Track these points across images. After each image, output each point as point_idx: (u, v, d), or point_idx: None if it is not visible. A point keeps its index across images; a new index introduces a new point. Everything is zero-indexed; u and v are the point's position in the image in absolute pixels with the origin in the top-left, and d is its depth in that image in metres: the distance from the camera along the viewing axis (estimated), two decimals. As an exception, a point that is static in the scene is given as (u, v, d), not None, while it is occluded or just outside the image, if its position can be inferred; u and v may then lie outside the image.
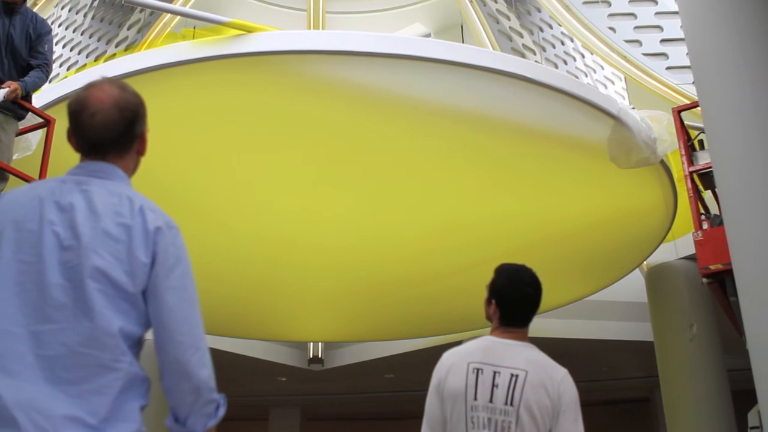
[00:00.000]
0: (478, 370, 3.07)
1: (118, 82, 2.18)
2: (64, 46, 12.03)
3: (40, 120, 6.21)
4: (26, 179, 5.43)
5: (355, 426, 19.12)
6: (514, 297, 3.17)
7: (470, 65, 6.23)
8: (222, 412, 2.05)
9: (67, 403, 1.83)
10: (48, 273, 1.93)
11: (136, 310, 1.97)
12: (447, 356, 3.24)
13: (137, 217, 2.02)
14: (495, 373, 3.04)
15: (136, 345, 1.99)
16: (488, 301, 3.29)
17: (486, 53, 7.11)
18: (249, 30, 6.26)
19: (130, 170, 2.22)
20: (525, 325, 3.19)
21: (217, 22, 6.42)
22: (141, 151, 2.24)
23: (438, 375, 3.19)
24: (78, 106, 2.11)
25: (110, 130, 2.12)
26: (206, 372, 2.00)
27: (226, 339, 12.77)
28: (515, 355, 3.07)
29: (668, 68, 9.79)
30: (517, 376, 3.01)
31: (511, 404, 2.97)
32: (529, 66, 6.81)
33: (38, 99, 6.33)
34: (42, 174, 6.09)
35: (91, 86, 2.14)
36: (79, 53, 11.75)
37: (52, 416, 1.80)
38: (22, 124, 5.92)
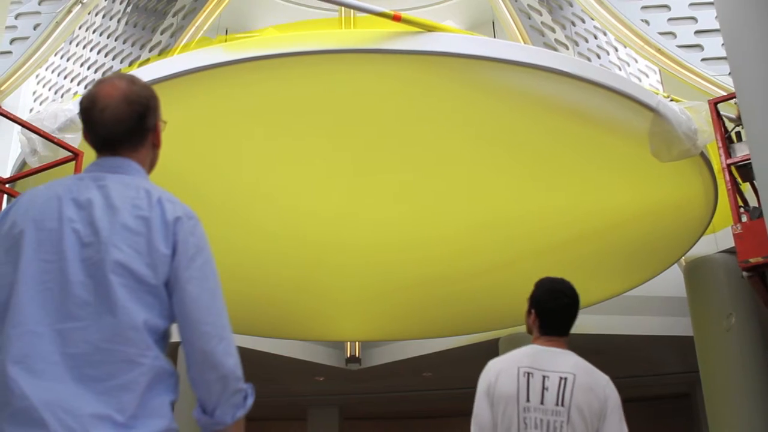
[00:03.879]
0: (528, 374, 3.26)
1: (128, 76, 2.21)
2: (98, 52, 12.17)
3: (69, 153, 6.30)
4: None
5: (394, 425, 19.13)
6: (552, 307, 3.40)
7: (507, 61, 6.20)
8: (250, 401, 2.03)
9: (95, 401, 1.83)
10: (69, 271, 1.93)
11: (159, 303, 1.96)
12: (494, 363, 3.45)
13: (156, 208, 2.02)
14: (544, 377, 3.24)
15: (162, 338, 1.98)
16: (528, 312, 3.53)
17: (522, 48, 7.08)
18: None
19: (147, 164, 2.23)
20: (565, 334, 3.41)
21: (377, 13, 6.37)
22: (156, 144, 2.25)
23: (487, 380, 3.35)
24: (88, 102, 2.13)
25: (121, 125, 2.12)
26: (232, 361, 1.98)
27: (263, 340, 12.84)
28: (561, 361, 3.28)
29: (703, 59, 9.67)
30: (566, 379, 3.21)
31: (562, 405, 3.17)
32: (567, 60, 6.78)
33: (77, 104, 6.40)
34: None
35: (100, 82, 2.17)
36: (113, 59, 11.87)
37: (80, 415, 1.80)
38: None
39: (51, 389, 1.82)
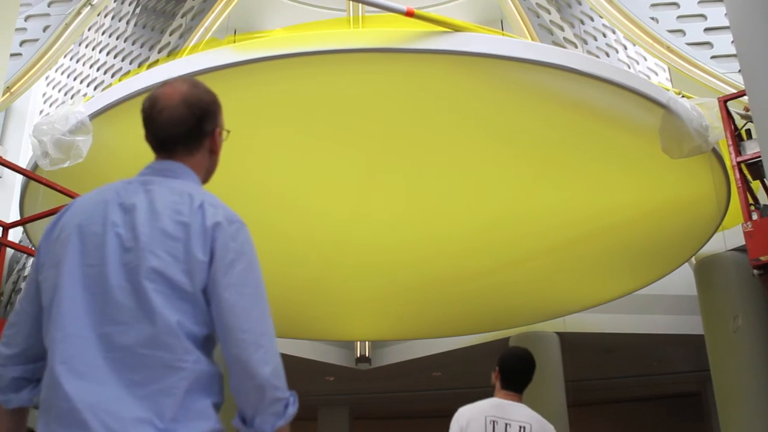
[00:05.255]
0: (494, 422, 3.97)
1: (191, 79, 2.20)
2: (108, 54, 12.20)
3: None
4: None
5: (404, 424, 19.13)
6: (513, 369, 4.13)
7: (519, 59, 6.20)
8: (292, 411, 1.99)
9: (136, 405, 1.84)
10: (110, 275, 1.94)
11: (196, 310, 1.95)
12: (464, 410, 4.14)
13: (196, 213, 2.00)
14: (506, 424, 3.96)
15: (204, 343, 1.96)
16: (494, 370, 4.20)
17: (532, 46, 7.07)
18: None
19: (202, 169, 2.21)
20: (521, 391, 4.13)
21: (389, 9, 6.38)
22: (214, 150, 2.23)
23: (458, 425, 4.07)
24: (149, 103, 2.14)
25: (177, 126, 2.13)
26: (268, 369, 1.93)
27: (278, 340, 12.86)
28: (519, 412, 4.01)
29: (713, 57, 9.64)
30: (524, 427, 3.94)
31: None
32: (576, 57, 6.76)
33: (91, 105, 6.43)
34: None
35: (163, 84, 2.17)
36: (122, 60, 11.90)
37: (122, 418, 1.82)
38: None
39: (94, 391, 1.84)
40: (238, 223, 2.04)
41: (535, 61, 6.23)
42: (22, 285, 12.27)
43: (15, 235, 12.29)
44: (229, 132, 2.27)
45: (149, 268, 1.92)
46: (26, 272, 12.18)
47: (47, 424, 1.87)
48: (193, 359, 1.90)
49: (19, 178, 8.99)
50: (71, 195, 6.42)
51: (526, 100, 6.84)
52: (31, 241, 8.34)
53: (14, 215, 12.05)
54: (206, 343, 1.97)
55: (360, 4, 11.45)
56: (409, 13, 6.05)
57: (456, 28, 6.35)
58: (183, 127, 2.13)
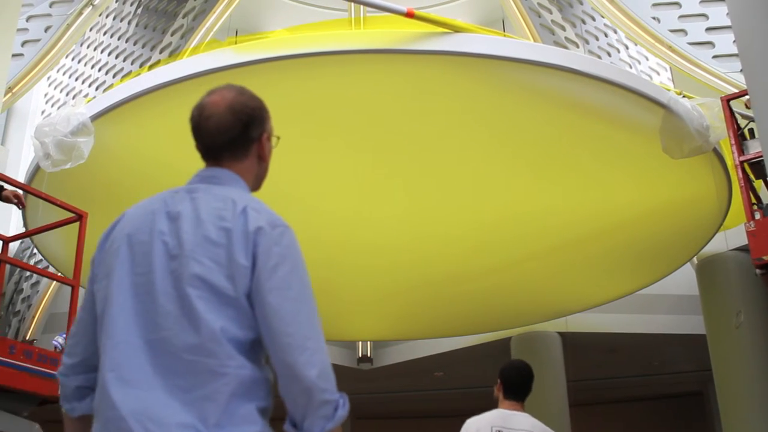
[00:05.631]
0: (499, 431, 4.24)
1: (238, 87, 2.21)
2: (109, 54, 12.21)
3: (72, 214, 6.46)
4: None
5: (405, 424, 19.13)
6: (514, 380, 4.40)
7: (520, 59, 6.20)
8: (342, 413, 1.95)
9: (181, 411, 1.86)
10: (157, 282, 1.97)
11: (240, 314, 1.95)
12: (472, 422, 4.37)
13: (239, 218, 2.00)
14: None
15: (249, 348, 1.96)
16: (497, 383, 4.45)
17: (532, 46, 7.07)
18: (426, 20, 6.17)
19: (251, 176, 2.22)
20: (523, 400, 4.38)
21: (390, 10, 6.39)
22: (262, 156, 2.23)
23: None
24: (196, 111, 2.17)
25: (223, 134, 2.14)
26: (314, 372, 1.91)
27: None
28: (523, 421, 4.27)
29: (715, 57, 9.64)
30: None
31: None
32: (577, 58, 6.77)
33: (92, 106, 6.43)
34: (77, 268, 6.32)
35: (210, 92, 2.18)
36: (124, 60, 11.92)
37: (166, 424, 1.84)
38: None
39: (140, 398, 1.88)
40: (282, 227, 2.03)
41: (534, 61, 6.24)
42: (24, 285, 12.27)
43: (19, 228, 12.30)
44: (278, 138, 2.29)
45: (192, 274, 1.94)
46: (27, 273, 12.20)
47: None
48: (236, 364, 1.90)
49: (20, 179, 8.99)
50: (70, 209, 6.50)
51: (527, 100, 6.84)
52: (36, 248, 8.35)
53: (16, 219, 12.10)
54: (253, 348, 1.97)
55: (359, 7, 11.47)
56: (410, 14, 6.05)
57: (456, 29, 6.35)
58: (229, 135, 2.15)
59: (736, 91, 7.66)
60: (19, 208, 6.30)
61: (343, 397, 1.97)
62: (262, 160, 2.24)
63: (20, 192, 6.01)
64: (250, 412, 1.92)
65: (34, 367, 5.86)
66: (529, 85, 6.60)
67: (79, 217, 6.61)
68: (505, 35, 7.51)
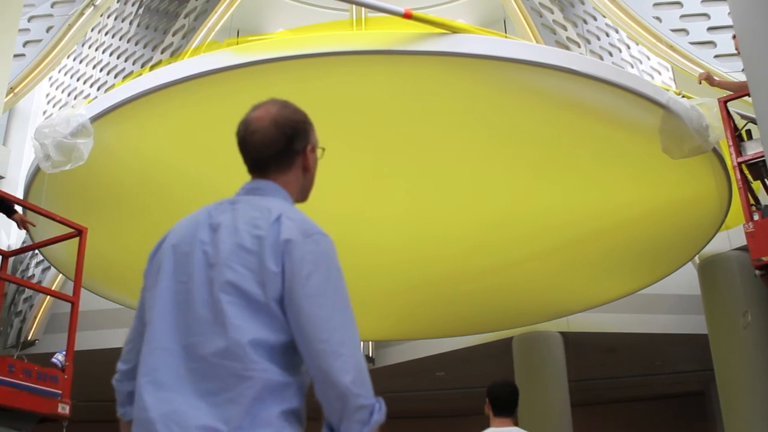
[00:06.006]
0: None
1: (281, 100, 2.27)
2: (111, 54, 12.23)
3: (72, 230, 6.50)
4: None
5: (407, 424, 19.12)
6: (502, 397, 4.56)
7: (518, 60, 6.20)
8: (378, 417, 1.98)
9: (207, 413, 1.93)
10: (195, 290, 2.05)
11: (271, 319, 2.00)
12: None
13: (272, 227, 2.06)
14: None
15: (281, 352, 2.00)
16: (485, 402, 4.61)
17: (530, 47, 7.07)
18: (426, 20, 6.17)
19: (296, 187, 2.28)
20: (512, 414, 4.56)
21: (387, 11, 6.40)
22: (307, 168, 2.29)
23: None
24: (242, 126, 2.24)
25: (269, 147, 2.21)
26: (349, 378, 1.94)
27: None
28: None
29: (716, 56, 9.64)
30: None
31: None
32: (575, 58, 6.77)
33: (92, 108, 6.44)
34: (77, 283, 6.31)
35: (255, 107, 2.26)
36: (125, 60, 11.93)
37: (189, 426, 1.92)
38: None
39: (170, 401, 1.96)
40: (316, 234, 2.07)
41: (532, 62, 6.24)
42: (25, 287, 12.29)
43: (18, 236, 12.32)
44: (323, 149, 2.34)
45: (225, 281, 2.01)
46: (29, 273, 12.21)
47: None
48: (261, 368, 1.95)
49: (22, 181, 9.00)
50: (70, 225, 6.55)
51: (526, 100, 6.84)
52: (37, 248, 8.37)
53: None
54: (285, 352, 2.01)
55: (360, 8, 11.46)
56: (407, 15, 6.05)
57: (453, 30, 6.35)
58: (274, 148, 2.21)
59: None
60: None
61: (379, 401, 2.00)
62: (307, 171, 2.30)
63: (26, 219, 6.19)
64: (273, 415, 1.95)
65: (33, 385, 5.87)
66: (528, 85, 6.60)
67: (79, 232, 6.63)
68: (501, 35, 7.49)
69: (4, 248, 12.48)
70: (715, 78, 7.64)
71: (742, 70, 7.05)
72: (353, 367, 1.96)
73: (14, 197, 6.54)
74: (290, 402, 1.98)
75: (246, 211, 2.12)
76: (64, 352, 6.26)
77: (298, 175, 2.27)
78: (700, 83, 7.31)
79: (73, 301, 6.60)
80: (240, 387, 1.92)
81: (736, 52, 7.50)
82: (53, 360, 6.21)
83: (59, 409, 6.00)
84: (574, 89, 6.51)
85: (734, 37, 7.26)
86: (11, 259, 12.40)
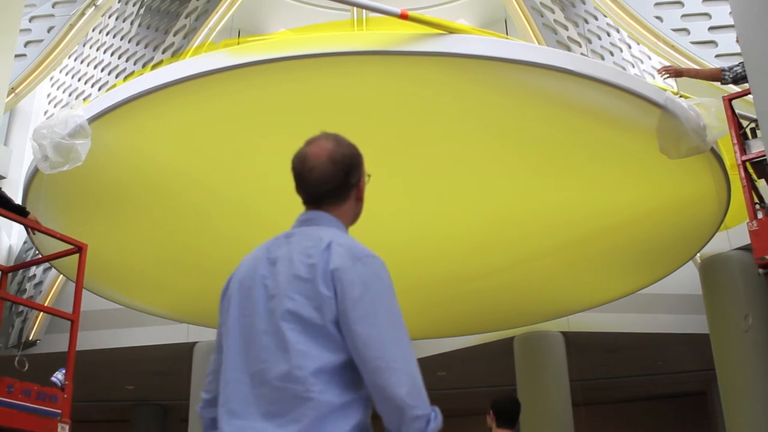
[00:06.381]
0: None
1: (334, 136, 2.41)
2: (112, 54, 12.22)
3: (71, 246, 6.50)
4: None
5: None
6: (506, 409, 4.95)
7: (512, 60, 6.19)
8: (433, 426, 2.10)
9: None
10: (258, 321, 2.22)
11: (330, 340, 2.13)
12: None
13: (323, 254, 2.19)
14: None
15: (340, 371, 2.13)
16: (489, 414, 4.95)
17: (527, 47, 7.06)
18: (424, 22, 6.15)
19: (349, 216, 2.43)
20: (514, 426, 4.90)
21: (383, 12, 6.41)
22: (360, 198, 2.46)
23: None
24: (298, 162, 2.37)
25: (326, 183, 2.34)
26: (404, 390, 2.07)
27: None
28: None
29: (717, 56, 9.62)
30: None
31: None
32: (572, 58, 6.75)
33: (90, 108, 6.43)
34: (76, 301, 6.29)
35: (309, 143, 2.39)
36: (126, 60, 11.92)
37: None
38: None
39: (242, 427, 2.13)
40: (366, 257, 2.20)
41: (529, 62, 6.23)
42: (27, 285, 12.29)
43: (20, 236, 12.32)
44: (370, 176, 2.49)
45: (284, 310, 2.16)
46: (30, 273, 12.21)
47: None
48: (320, 389, 2.08)
49: (23, 181, 9.00)
50: (69, 242, 6.55)
51: (524, 100, 6.83)
52: (37, 248, 8.38)
53: (18, 228, 12.15)
54: (344, 371, 2.14)
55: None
56: (403, 16, 6.05)
57: (450, 30, 6.34)
58: (331, 184, 2.35)
59: (739, 90, 7.65)
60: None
61: (435, 410, 2.12)
62: (359, 201, 2.46)
63: (39, 226, 6.27)
64: None
65: (32, 406, 5.81)
66: (526, 85, 6.59)
67: (79, 249, 6.61)
68: (498, 35, 7.48)
69: (5, 248, 12.53)
70: (683, 68, 7.72)
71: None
72: (407, 380, 2.09)
73: (10, 214, 6.53)
74: (354, 418, 2.11)
75: (300, 242, 2.27)
76: (64, 371, 6.22)
77: (351, 205, 2.41)
78: (665, 80, 7.37)
79: (73, 319, 6.51)
80: (302, 408, 2.06)
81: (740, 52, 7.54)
82: (53, 379, 6.18)
83: (59, 430, 5.92)
84: (571, 89, 6.51)
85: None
86: (13, 255, 12.41)
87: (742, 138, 6.77)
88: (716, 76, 7.32)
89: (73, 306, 6.59)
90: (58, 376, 6.19)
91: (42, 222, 6.50)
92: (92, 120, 6.27)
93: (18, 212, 6.45)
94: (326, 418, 2.06)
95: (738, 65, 7.19)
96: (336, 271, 2.14)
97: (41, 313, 12.19)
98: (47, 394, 5.96)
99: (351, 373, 2.13)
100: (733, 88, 7.48)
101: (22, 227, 10.80)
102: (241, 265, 2.39)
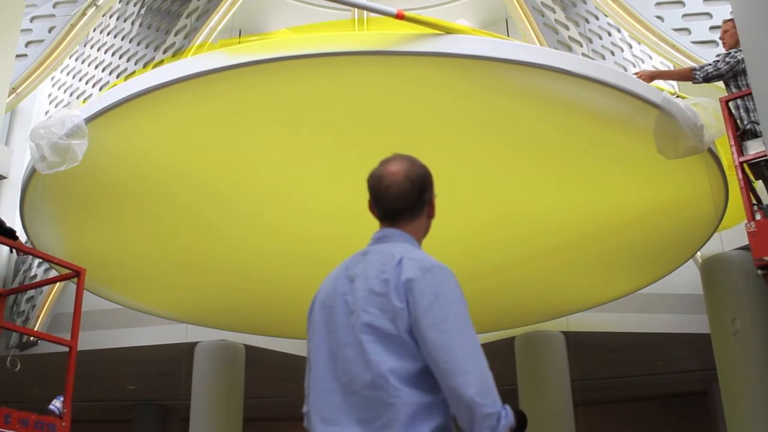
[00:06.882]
0: None
1: (408, 157, 2.60)
2: (113, 54, 12.22)
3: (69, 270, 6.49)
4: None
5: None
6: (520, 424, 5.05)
7: (513, 61, 6.19)
8: (505, 423, 2.22)
9: None
10: (341, 335, 2.41)
11: (406, 350, 2.30)
12: None
13: (395, 269, 2.37)
14: None
15: (418, 377, 2.29)
16: None
17: (524, 47, 7.05)
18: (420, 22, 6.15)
19: (421, 232, 2.61)
20: None
21: (379, 12, 6.42)
22: (431, 215, 2.64)
23: None
24: (375, 181, 2.56)
25: (403, 200, 2.53)
26: (473, 390, 2.21)
27: (279, 339, 12.85)
28: None
29: (719, 56, 9.60)
30: None
31: None
32: (569, 58, 6.74)
33: (87, 109, 6.43)
34: (75, 326, 6.28)
35: (384, 162, 2.58)
36: (128, 60, 11.92)
37: None
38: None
39: None
40: (434, 268, 2.38)
41: (527, 62, 6.22)
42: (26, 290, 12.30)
43: (21, 236, 12.32)
44: (436, 196, 2.66)
45: (362, 323, 2.35)
46: (32, 273, 12.21)
47: None
48: (402, 395, 2.25)
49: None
50: (67, 266, 6.56)
51: (522, 100, 6.82)
52: (33, 245, 8.38)
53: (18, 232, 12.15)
54: (421, 377, 2.30)
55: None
56: (399, 16, 6.05)
57: (447, 30, 6.33)
58: (407, 201, 2.53)
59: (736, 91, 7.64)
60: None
61: (505, 408, 2.25)
62: (430, 217, 2.63)
63: (25, 247, 6.23)
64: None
65: None
66: (524, 85, 6.58)
67: (77, 273, 6.59)
68: (496, 36, 7.47)
69: (5, 248, 12.53)
70: (655, 71, 7.78)
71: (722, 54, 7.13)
72: (477, 380, 2.23)
73: (7, 240, 6.55)
74: (437, 419, 2.27)
75: (375, 259, 2.45)
76: (62, 399, 6.17)
77: (423, 221, 2.60)
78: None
79: (71, 346, 6.43)
80: (388, 413, 2.23)
81: (720, 39, 7.64)
82: (51, 407, 6.15)
83: None
84: (568, 89, 6.50)
85: (721, 24, 7.55)
86: (13, 259, 12.41)
87: (739, 139, 6.76)
88: (687, 75, 7.42)
89: (71, 332, 6.48)
90: (56, 404, 6.16)
91: (42, 222, 6.50)
92: (90, 120, 6.27)
93: (7, 236, 6.46)
94: (414, 420, 2.22)
95: (709, 65, 7.24)
96: (407, 283, 2.32)
97: (42, 312, 12.20)
98: (45, 423, 5.89)
99: (429, 378, 2.28)
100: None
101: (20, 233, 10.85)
102: (323, 285, 2.59)
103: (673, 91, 7.19)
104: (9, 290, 8.47)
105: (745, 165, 6.65)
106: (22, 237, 12.45)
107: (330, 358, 2.41)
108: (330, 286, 2.54)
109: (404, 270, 2.35)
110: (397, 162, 2.55)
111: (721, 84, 7.51)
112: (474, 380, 2.23)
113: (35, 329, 12.34)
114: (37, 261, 12.11)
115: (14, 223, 11.94)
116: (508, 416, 2.22)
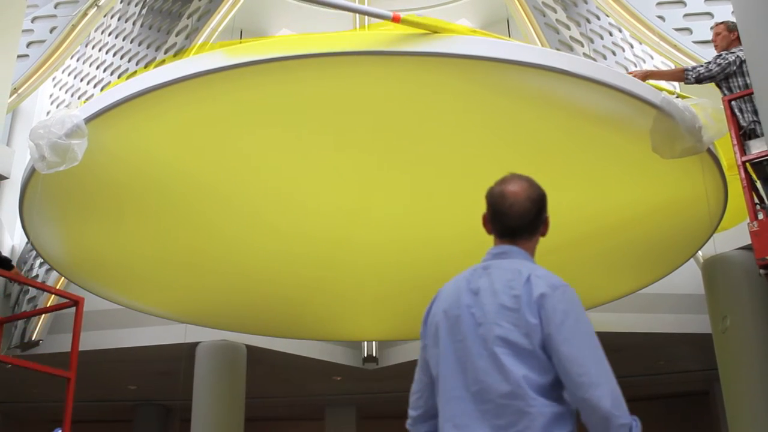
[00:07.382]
0: None
1: (526, 177, 2.78)
2: (114, 55, 12.23)
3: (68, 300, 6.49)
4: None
5: (411, 424, 19.11)
6: None
7: (509, 60, 6.18)
8: None
9: None
10: (470, 346, 2.53)
11: (539, 363, 2.44)
12: None
13: (525, 286, 2.51)
14: None
15: (550, 389, 2.44)
16: None
17: (522, 47, 7.04)
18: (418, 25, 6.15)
19: (534, 248, 2.76)
20: None
21: (375, 15, 6.44)
22: (544, 233, 2.79)
23: None
24: (498, 199, 2.72)
25: (524, 218, 2.69)
26: (608, 403, 2.35)
27: (280, 340, 12.88)
28: None
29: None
30: None
31: None
32: (568, 59, 6.73)
33: (86, 108, 6.43)
34: (73, 349, 6.27)
35: (504, 182, 2.75)
36: (129, 61, 11.93)
37: None
38: None
39: None
40: (561, 287, 2.52)
41: (524, 62, 6.20)
42: (29, 287, 12.30)
43: (22, 237, 12.33)
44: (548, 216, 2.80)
45: (496, 336, 2.48)
46: (33, 273, 12.21)
47: None
48: (539, 404, 2.39)
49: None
50: (66, 296, 6.57)
51: (522, 101, 6.81)
52: (35, 249, 8.39)
53: (19, 234, 12.19)
54: (553, 388, 2.45)
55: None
56: (396, 19, 6.04)
57: (446, 32, 6.32)
58: (528, 219, 2.70)
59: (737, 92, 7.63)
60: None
61: (635, 420, 2.40)
62: (542, 235, 2.79)
63: (21, 278, 6.20)
64: None
65: None
66: (523, 85, 6.56)
67: (75, 303, 6.57)
68: (495, 36, 7.45)
69: (8, 248, 12.55)
70: (647, 71, 7.81)
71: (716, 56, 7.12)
72: (610, 393, 2.38)
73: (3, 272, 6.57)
74: (568, 426, 2.42)
75: (500, 274, 2.59)
76: (60, 431, 6.16)
77: (537, 238, 2.76)
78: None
79: (70, 377, 6.40)
80: (524, 421, 2.36)
81: (713, 42, 7.65)
82: None
83: None
84: (568, 90, 6.48)
85: (713, 28, 7.68)
86: (14, 260, 12.42)
87: (742, 139, 6.76)
88: (679, 76, 7.53)
89: (70, 362, 6.44)
90: None
91: (41, 222, 6.50)
92: (89, 120, 6.26)
93: (3, 265, 6.45)
94: (547, 428, 2.35)
95: (701, 66, 7.27)
96: (540, 299, 2.46)
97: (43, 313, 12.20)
98: None
99: (558, 390, 2.44)
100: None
101: (21, 235, 10.88)
102: (443, 295, 2.74)
103: (673, 91, 7.17)
104: (6, 318, 8.40)
105: (747, 164, 6.65)
106: (22, 237, 12.52)
107: (459, 367, 2.53)
108: (452, 296, 2.67)
109: (534, 287, 2.49)
110: (517, 182, 2.72)
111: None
112: (608, 393, 2.37)
113: (37, 330, 12.36)
114: (38, 261, 12.12)
115: (13, 224, 11.98)
116: (637, 426, 2.38)
